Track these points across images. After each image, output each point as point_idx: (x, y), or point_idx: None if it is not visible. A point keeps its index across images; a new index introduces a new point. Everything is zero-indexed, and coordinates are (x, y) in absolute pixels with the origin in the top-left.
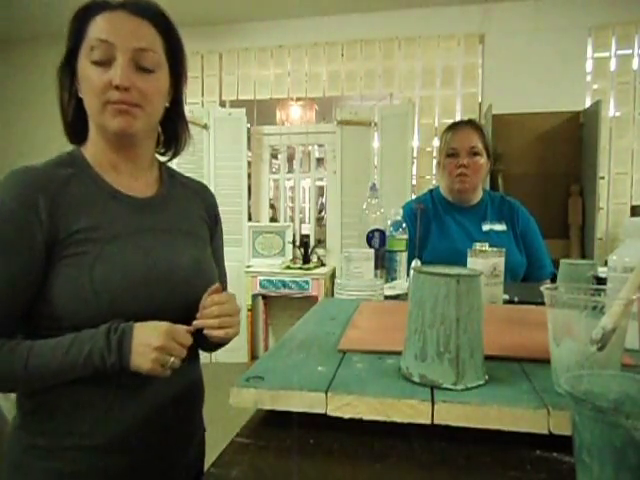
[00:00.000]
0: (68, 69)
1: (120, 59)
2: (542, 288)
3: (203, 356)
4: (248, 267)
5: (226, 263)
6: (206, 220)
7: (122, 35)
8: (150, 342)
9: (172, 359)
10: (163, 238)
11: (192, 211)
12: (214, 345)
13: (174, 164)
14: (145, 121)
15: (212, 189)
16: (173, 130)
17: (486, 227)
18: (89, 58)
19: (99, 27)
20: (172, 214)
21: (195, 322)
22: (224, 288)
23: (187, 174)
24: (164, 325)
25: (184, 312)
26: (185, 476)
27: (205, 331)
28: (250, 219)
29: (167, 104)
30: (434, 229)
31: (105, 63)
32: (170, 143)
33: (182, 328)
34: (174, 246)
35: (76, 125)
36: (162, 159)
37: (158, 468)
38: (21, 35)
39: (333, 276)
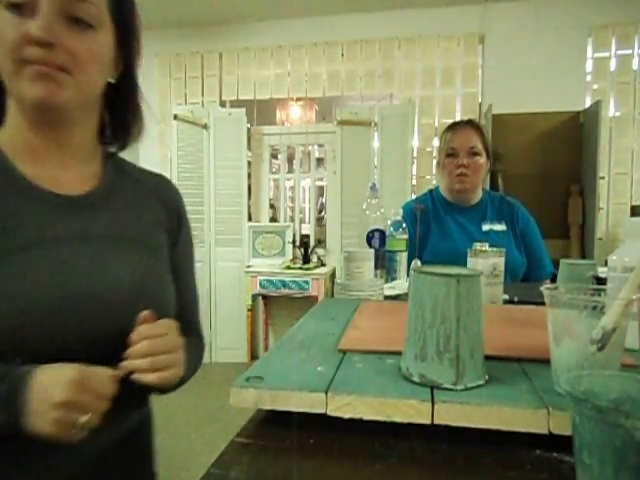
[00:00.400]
0: None
1: (45, 6)
2: (542, 288)
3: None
4: (248, 267)
5: (226, 263)
6: (164, 223)
7: None
8: (50, 396)
9: (83, 418)
10: (94, 248)
11: (144, 213)
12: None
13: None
14: (75, 92)
15: (212, 189)
16: (121, 115)
17: (486, 227)
18: (3, 1)
19: None
20: (113, 216)
21: (121, 363)
22: (191, 311)
23: (187, 174)
24: (71, 371)
25: (121, 349)
26: None
27: (135, 375)
28: (250, 219)
29: (112, 79)
30: (434, 229)
31: (24, 9)
32: (117, 132)
33: (101, 373)
34: (108, 259)
35: None
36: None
37: None
38: None
39: (333, 276)
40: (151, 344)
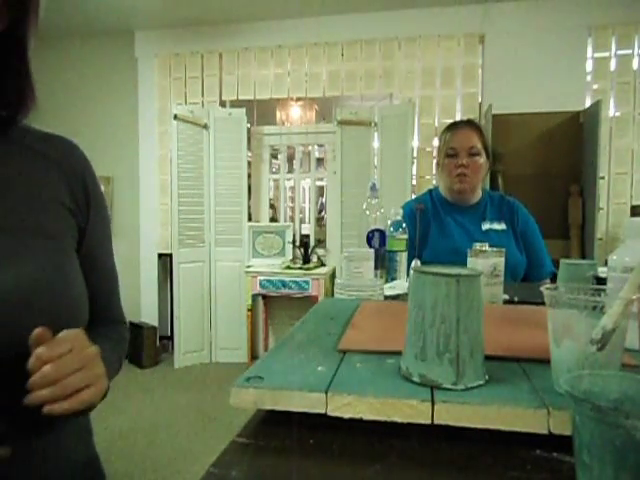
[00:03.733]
0: None
1: None
2: (542, 288)
3: (203, 356)
4: (248, 267)
5: (226, 263)
6: (68, 203)
7: None
8: None
9: None
10: None
11: (40, 191)
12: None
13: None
14: None
15: (212, 189)
16: (8, 80)
17: (486, 227)
18: None
19: None
20: None
21: (25, 399)
22: (112, 304)
23: (187, 174)
24: None
25: (12, 372)
26: None
27: (45, 408)
28: (250, 219)
29: None
30: (434, 229)
31: None
32: (4, 99)
33: None
34: None
35: None
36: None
37: None
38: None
39: (333, 276)
40: (56, 367)
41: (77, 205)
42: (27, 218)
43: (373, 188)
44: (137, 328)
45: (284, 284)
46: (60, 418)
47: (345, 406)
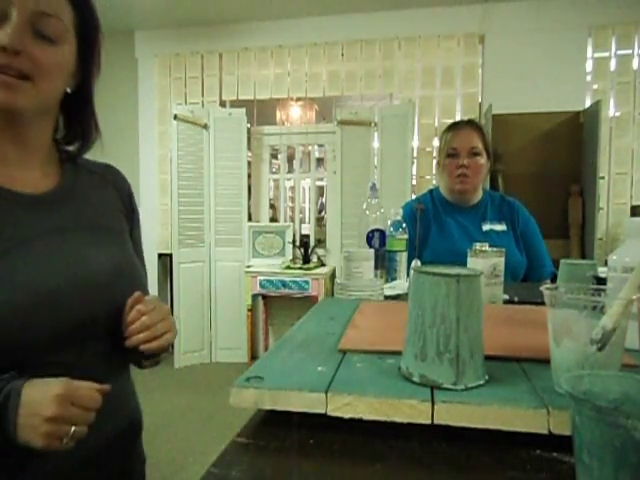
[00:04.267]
0: None
1: (15, 17)
2: (542, 288)
3: (203, 356)
4: (248, 267)
5: (226, 263)
6: (122, 210)
7: None
8: (40, 411)
9: (73, 429)
10: (71, 239)
11: (105, 202)
12: (153, 356)
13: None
14: (33, 98)
15: (212, 189)
16: (77, 123)
17: (486, 227)
18: None
19: None
20: (78, 209)
21: (127, 343)
22: (144, 285)
23: (187, 174)
24: (57, 387)
25: (109, 324)
26: None
27: (141, 347)
28: (250, 219)
29: (69, 89)
30: (434, 229)
31: None
32: (72, 138)
33: (86, 387)
34: (86, 247)
35: None
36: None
37: None
38: None
39: (333, 276)
40: (149, 318)
41: (126, 212)
42: (102, 220)
43: (373, 188)
44: None
45: (284, 284)
46: (128, 368)
47: (345, 406)
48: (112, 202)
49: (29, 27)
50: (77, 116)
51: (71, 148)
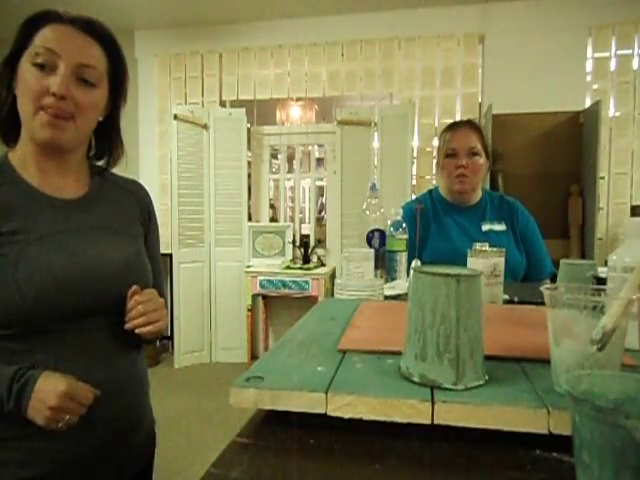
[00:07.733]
0: (9, 68)
1: (63, 69)
2: (542, 288)
3: (203, 356)
4: (248, 267)
5: (226, 263)
6: (139, 218)
7: (68, 49)
8: (46, 401)
9: (67, 417)
10: (91, 237)
11: (124, 210)
12: (150, 339)
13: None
14: (74, 134)
15: (212, 189)
16: (106, 143)
17: (485, 227)
18: (32, 60)
19: (47, 36)
20: (102, 213)
21: (126, 325)
22: (159, 284)
23: (187, 174)
24: (63, 384)
25: (117, 307)
26: (136, 461)
27: (137, 330)
28: (250, 219)
29: (101, 118)
30: (434, 229)
31: (47, 68)
32: (102, 154)
33: (83, 388)
34: (102, 244)
35: (9, 124)
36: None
37: (108, 454)
38: None
39: (333, 276)
40: (144, 306)
41: (144, 221)
42: (121, 225)
43: (373, 188)
44: None
45: (284, 284)
46: (136, 351)
47: (345, 406)
48: (131, 210)
49: (73, 76)
50: (106, 137)
51: (100, 163)
